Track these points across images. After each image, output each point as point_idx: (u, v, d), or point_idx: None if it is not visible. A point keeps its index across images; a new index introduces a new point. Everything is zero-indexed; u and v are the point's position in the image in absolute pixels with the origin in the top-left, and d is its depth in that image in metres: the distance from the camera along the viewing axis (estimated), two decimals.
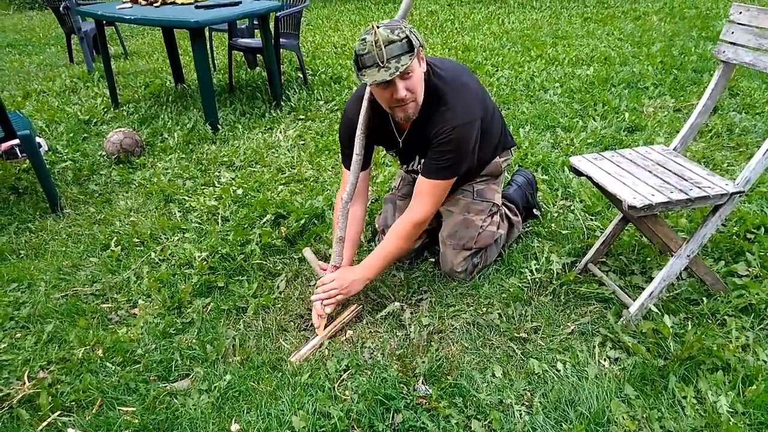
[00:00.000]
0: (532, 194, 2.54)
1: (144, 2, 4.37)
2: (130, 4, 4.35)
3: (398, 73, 1.66)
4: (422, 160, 2.02)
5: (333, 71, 5.36)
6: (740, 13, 1.94)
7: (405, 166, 2.20)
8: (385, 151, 2.32)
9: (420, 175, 1.97)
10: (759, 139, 3.32)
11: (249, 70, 5.48)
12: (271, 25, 4.43)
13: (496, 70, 5.07)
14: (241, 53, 5.27)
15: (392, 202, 2.38)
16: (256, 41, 4.78)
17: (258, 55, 5.33)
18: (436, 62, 1.95)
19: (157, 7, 4.23)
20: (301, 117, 4.27)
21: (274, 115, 4.32)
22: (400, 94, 1.73)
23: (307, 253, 2.16)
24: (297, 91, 4.77)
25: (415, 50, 1.69)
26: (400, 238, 1.99)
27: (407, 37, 1.67)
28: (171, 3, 4.32)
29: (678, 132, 2.90)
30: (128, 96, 4.94)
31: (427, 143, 1.92)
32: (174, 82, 5.13)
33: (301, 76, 5.05)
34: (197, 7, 4.06)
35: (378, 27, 1.67)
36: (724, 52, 2.00)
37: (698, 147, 3.24)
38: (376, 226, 2.43)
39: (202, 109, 4.18)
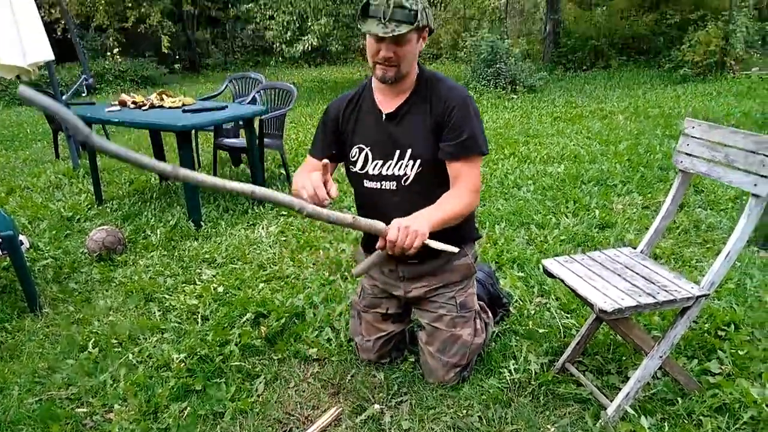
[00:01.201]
0: (493, 284, 2.57)
1: (132, 105, 4.55)
2: (118, 107, 4.52)
3: (392, 35, 1.70)
4: (415, 159, 1.88)
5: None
6: (693, 127, 2.10)
7: (377, 165, 1.93)
8: (351, 159, 2.01)
9: (448, 162, 1.85)
10: (725, 235, 3.46)
11: (233, 167, 5.63)
12: (256, 125, 4.61)
13: None
14: (226, 151, 5.43)
15: (357, 312, 2.29)
16: (241, 141, 4.95)
17: (243, 154, 5.49)
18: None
19: (145, 110, 4.40)
20: (284, 213, 4.35)
21: (257, 211, 4.40)
22: (386, 54, 1.76)
23: (359, 269, 1.84)
24: (280, 187, 4.89)
25: (418, 25, 1.73)
26: (454, 197, 1.83)
27: (417, 11, 1.72)
28: (159, 106, 4.50)
29: (647, 229, 3.02)
30: (112, 192, 5.02)
31: (416, 123, 1.87)
32: (159, 178, 5.23)
33: (284, 172, 5.20)
34: (184, 111, 4.23)
35: None
36: (681, 161, 2.15)
37: (667, 243, 3.37)
38: (350, 334, 2.41)
39: (185, 206, 4.26)
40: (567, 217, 3.88)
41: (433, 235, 1.71)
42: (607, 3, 14.77)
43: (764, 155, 1.82)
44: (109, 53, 13.56)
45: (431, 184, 1.90)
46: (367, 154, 1.94)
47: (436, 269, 2.06)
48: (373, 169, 1.93)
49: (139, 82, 14.53)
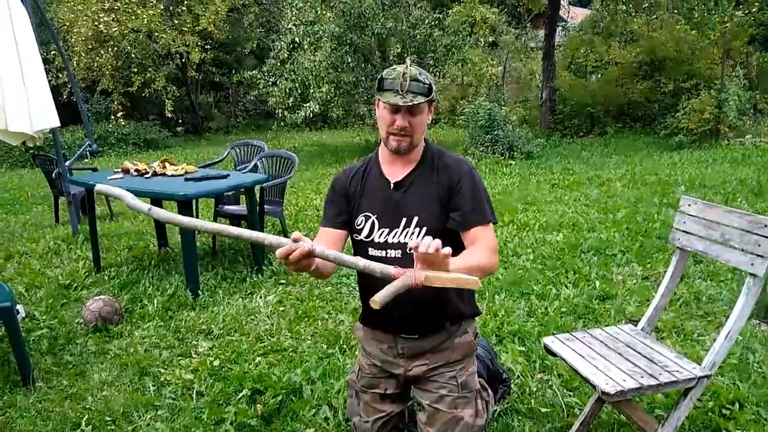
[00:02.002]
0: (492, 360, 2.52)
1: (135, 173, 4.60)
2: (121, 175, 4.57)
3: (410, 104, 1.80)
4: (421, 228, 1.89)
5: (314, 235, 5.52)
6: (689, 205, 2.12)
7: (383, 233, 1.94)
8: (357, 227, 2.00)
9: (463, 232, 1.87)
10: (725, 307, 3.44)
11: None
12: (257, 191, 4.66)
13: None
14: (227, 218, 5.45)
15: (355, 392, 2.22)
16: (241, 208, 4.98)
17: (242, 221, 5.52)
18: None
19: (147, 178, 4.45)
20: (282, 281, 4.34)
21: (255, 279, 4.38)
22: (401, 123, 1.84)
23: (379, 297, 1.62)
24: None
25: (432, 98, 1.86)
26: (478, 252, 1.81)
27: (430, 85, 1.85)
28: (161, 174, 4.55)
29: (647, 301, 2.98)
30: (111, 259, 5.01)
31: (425, 191, 1.92)
32: (158, 245, 5.24)
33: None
34: (186, 180, 4.28)
35: (411, 65, 1.85)
36: (678, 239, 2.16)
37: (669, 316, 3.34)
38: (348, 414, 2.35)
39: (183, 273, 4.25)
40: (567, 288, 3.86)
41: (433, 307, 1.80)
42: (602, 71, 15.20)
43: (759, 235, 1.83)
44: (113, 116, 13.85)
45: None
46: (373, 222, 1.96)
47: (437, 346, 2.02)
48: (379, 237, 1.95)
49: (141, 145, 14.77)
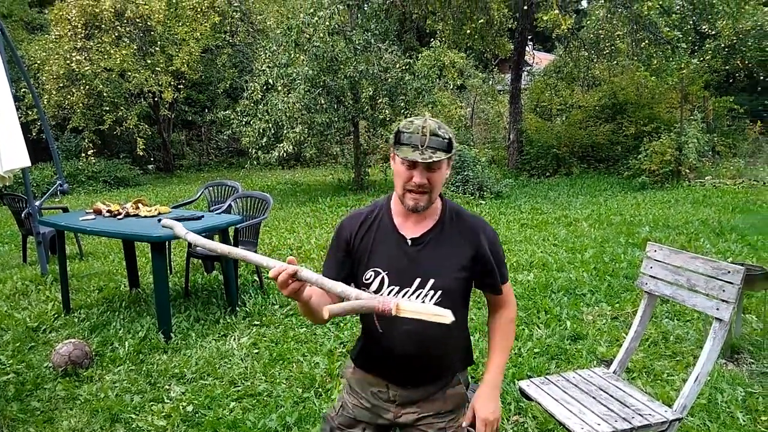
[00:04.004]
0: None
1: (107, 214, 4.56)
2: (93, 216, 4.53)
3: (430, 161, 1.72)
4: (437, 290, 1.81)
5: None
6: (655, 251, 2.22)
7: (393, 291, 1.85)
8: (365, 282, 1.92)
9: (492, 294, 1.93)
10: (693, 346, 3.55)
11: (206, 273, 5.60)
12: (231, 232, 4.66)
13: None
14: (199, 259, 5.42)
15: (330, 427, 2.10)
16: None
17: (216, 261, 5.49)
18: None
19: (120, 219, 4.41)
20: (256, 323, 4.31)
21: (228, 321, 4.35)
22: (420, 180, 1.75)
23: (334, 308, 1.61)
24: (252, 295, 4.86)
25: (451, 154, 1.78)
26: (507, 334, 1.94)
27: (450, 139, 1.76)
28: (134, 215, 4.53)
29: (617, 341, 3.06)
30: (80, 301, 4.91)
31: (453, 258, 1.84)
32: (129, 286, 5.16)
33: (258, 279, 5.20)
34: (160, 221, 4.26)
35: (429, 119, 1.78)
36: (646, 284, 2.24)
37: (638, 357, 3.42)
38: None
39: (155, 315, 4.19)
40: (539, 328, 3.93)
41: (432, 359, 1.81)
42: (566, 114, 15.69)
43: (723, 281, 1.92)
44: (83, 154, 13.68)
45: (453, 312, 1.86)
46: (383, 279, 1.85)
47: (430, 395, 1.94)
48: (388, 294, 1.83)
49: (112, 183, 14.59)
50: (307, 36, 10.07)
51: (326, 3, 10.20)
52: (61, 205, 6.35)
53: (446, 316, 1.47)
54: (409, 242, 1.84)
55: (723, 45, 14.58)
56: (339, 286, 1.54)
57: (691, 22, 12.50)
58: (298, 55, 10.16)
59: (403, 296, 1.81)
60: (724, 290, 1.91)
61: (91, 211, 4.68)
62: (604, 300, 4.48)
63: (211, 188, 6.27)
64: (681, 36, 10.96)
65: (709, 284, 1.97)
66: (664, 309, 4.20)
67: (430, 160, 1.72)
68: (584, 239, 6.65)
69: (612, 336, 3.75)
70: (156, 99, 15.26)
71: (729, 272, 1.91)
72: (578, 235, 6.90)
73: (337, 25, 10.14)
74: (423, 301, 1.79)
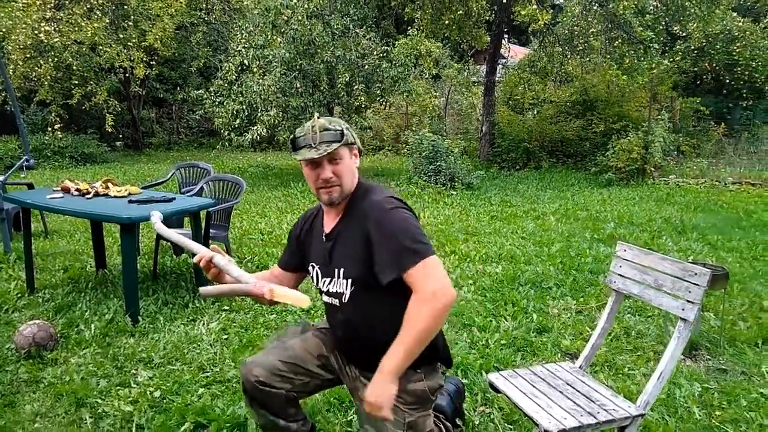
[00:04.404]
0: (461, 403, 2.50)
1: (76, 193, 4.47)
2: (61, 194, 4.43)
3: (325, 153, 1.81)
4: (339, 275, 1.92)
5: (260, 260, 5.51)
6: (625, 250, 2.28)
7: (325, 283, 1.99)
8: (311, 276, 2.10)
9: (400, 278, 1.77)
10: (653, 342, 3.66)
11: (175, 256, 5.54)
12: (203, 216, 4.61)
13: None
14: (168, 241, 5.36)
15: (303, 327, 2.25)
16: (186, 231, 4.90)
17: None
18: None
19: (89, 198, 4.33)
20: (225, 308, 4.29)
21: (197, 305, 4.32)
22: (325, 175, 1.85)
23: (207, 289, 1.81)
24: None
25: (347, 142, 1.86)
26: (411, 316, 1.73)
27: (342, 130, 1.86)
28: (104, 195, 4.44)
29: (581, 334, 3.14)
30: (45, 280, 4.81)
31: (348, 240, 1.90)
32: (95, 266, 5.07)
33: None
34: (130, 202, 4.20)
35: (319, 118, 1.87)
36: (614, 282, 2.31)
37: (601, 351, 3.51)
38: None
39: (122, 298, 4.14)
40: (506, 320, 4.01)
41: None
42: (538, 108, 15.87)
43: (690, 282, 1.99)
44: (50, 128, 13.30)
45: (370, 302, 1.90)
46: (317, 272, 2.04)
47: None
48: (324, 285, 2.02)
49: (78, 159, 14.24)
50: (285, 18, 9.95)
51: None
52: (26, 180, 6.18)
53: (303, 301, 1.71)
54: (324, 238, 2.00)
55: (693, 47, 14.92)
56: (236, 272, 1.81)
57: (663, 23, 12.74)
58: (275, 38, 10.04)
59: (332, 285, 1.96)
60: (690, 291, 1.98)
61: (59, 188, 4.57)
62: (570, 294, 4.58)
63: (182, 169, 6.18)
64: (654, 36, 11.17)
65: (675, 285, 2.04)
66: (627, 305, 4.32)
67: (325, 153, 1.81)
68: (551, 233, 6.77)
69: (576, 330, 3.85)
70: (127, 75, 14.91)
71: (695, 274, 1.98)
72: (546, 229, 7.02)
73: (315, 9, 10.03)
74: (342, 292, 1.93)
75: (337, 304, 1.97)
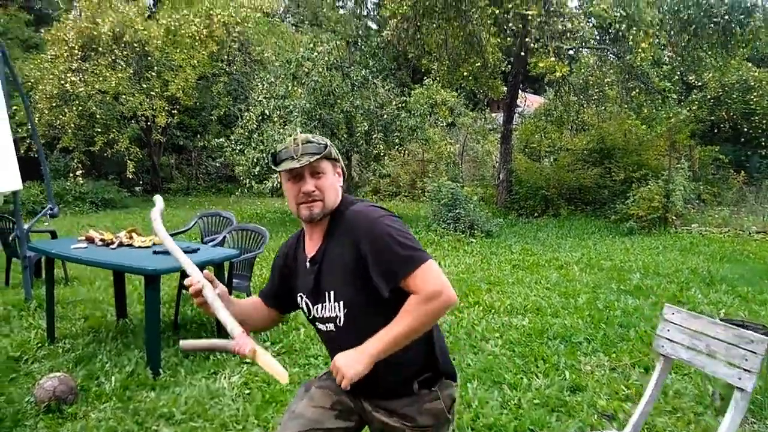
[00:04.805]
0: None
1: (100, 243, 4.47)
2: (85, 244, 4.43)
3: (307, 163, 1.72)
4: (330, 297, 1.80)
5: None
6: (673, 314, 2.19)
7: (318, 309, 1.87)
8: (300, 307, 1.97)
9: (389, 286, 1.70)
10: (692, 402, 3.51)
11: (196, 306, 5.48)
12: (225, 265, 4.57)
13: None
14: None
15: (305, 388, 2.03)
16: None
17: None
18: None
19: (113, 249, 4.32)
20: (247, 361, 4.19)
21: (219, 357, 4.23)
22: (307, 188, 1.75)
23: (187, 343, 1.82)
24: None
25: (330, 155, 1.78)
26: (408, 309, 1.67)
27: (326, 145, 1.78)
28: (128, 245, 4.44)
29: (616, 393, 3.02)
30: (65, 330, 4.77)
31: (334, 260, 1.79)
32: (116, 315, 5.03)
33: None
34: (155, 252, 4.18)
35: (301, 133, 1.82)
36: (662, 346, 2.22)
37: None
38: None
39: (143, 349, 4.08)
40: (538, 377, 3.88)
41: (397, 368, 1.75)
42: (555, 156, 15.90)
43: (746, 350, 1.90)
44: (71, 174, 13.54)
45: (367, 323, 1.76)
46: (306, 302, 1.90)
47: (402, 406, 1.85)
48: (317, 312, 1.87)
49: (99, 204, 14.42)
50: (306, 70, 10.15)
51: (325, 39, 10.32)
52: (50, 228, 6.22)
53: (282, 376, 1.58)
54: (308, 264, 1.87)
55: (709, 96, 14.97)
56: (223, 315, 1.69)
57: (678, 73, 12.83)
58: (295, 88, 10.22)
59: (325, 310, 1.83)
60: (746, 359, 1.88)
61: (83, 238, 4.58)
62: (601, 349, 4.44)
63: (204, 218, 6.19)
64: (671, 86, 11.23)
65: (730, 352, 1.94)
66: None
67: (307, 163, 1.72)
68: (576, 284, 6.64)
69: (611, 388, 3.70)
70: (149, 123, 15.22)
71: (752, 341, 1.89)
72: (570, 279, 6.89)
73: (335, 61, 10.24)
74: (336, 315, 1.80)
75: (333, 329, 1.83)
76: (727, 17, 10.97)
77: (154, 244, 4.47)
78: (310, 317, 1.91)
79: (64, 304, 5.54)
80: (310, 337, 4.64)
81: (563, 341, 4.62)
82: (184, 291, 5.10)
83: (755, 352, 1.86)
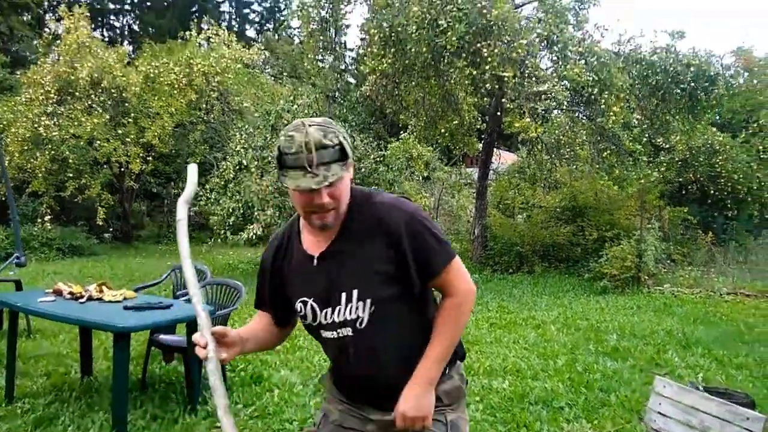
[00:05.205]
0: None
1: (68, 296, 4.29)
2: (53, 297, 4.25)
3: (326, 183, 1.50)
4: (351, 297, 1.64)
5: (253, 369, 5.26)
6: (664, 387, 2.16)
7: (327, 314, 1.70)
8: (300, 313, 1.79)
9: (427, 284, 1.67)
10: None
11: (165, 363, 5.27)
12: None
13: None
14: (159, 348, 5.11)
15: None
16: (180, 339, 4.69)
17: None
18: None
19: (82, 303, 4.15)
20: (218, 425, 4.00)
21: (188, 420, 4.04)
22: (323, 200, 1.54)
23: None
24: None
25: (348, 159, 1.56)
26: (446, 320, 1.67)
27: (341, 144, 1.53)
28: (98, 299, 4.27)
29: None
30: (25, 387, 4.51)
31: (367, 262, 1.63)
32: (81, 372, 4.79)
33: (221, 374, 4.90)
34: (125, 308, 4.02)
35: (309, 126, 1.51)
36: (654, 421, 2.17)
37: None
38: None
39: (109, 410, 3.87)
40: None
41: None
42: (529, 212, 16.11)
43: (741, 427, 1.86)
44: (39, 219, 13.21)
45: (397, 319, 1.68)
46: (312, 307, 1.71)
47: None
48: (325, 318, 1.70)
49: (66, 251, 14.03)
50: (285, 122, 10.20)
51: (305, 92, 10.44)
52: (15, 278, 5.97)
53: None
54: (316, 261, 1.68)
55: (677, 159, 15.46)
56: (221, 402, 1.55)
57: (647, 136, 13.26)
58: (274, 139, 10.24)
59: (339, 314, 1.67)
60: None
61: (51, 291, 4.40)
62: (583, 415, 4.36)
63: (177, 271, 6.01)
64: (641, 148, 11.58)
65: (725, 429, 1.90)
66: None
67: (327, 182, 1.50)
68: (554, 344, 6.59)
69: None
70: (122, 169, 15.03)
71: (748, 419, 1.85)
72: (548, 339, 6.84)
73: (315, 114, 10.33)
74: (358, 317, 1.64)
75: (350, 334, 1.67)
76: (693, 84, 11.47)
77: (125, 299, 4.31)
78: (315, 324, 1.74)
79: (25, 358, 5.26)
80: (285, 400, 4.49)
81: (545, 406, 4.53)
82: (152, 348, 4.91)
83: (752, 431, 1.83)
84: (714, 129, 15.51)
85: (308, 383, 4.89)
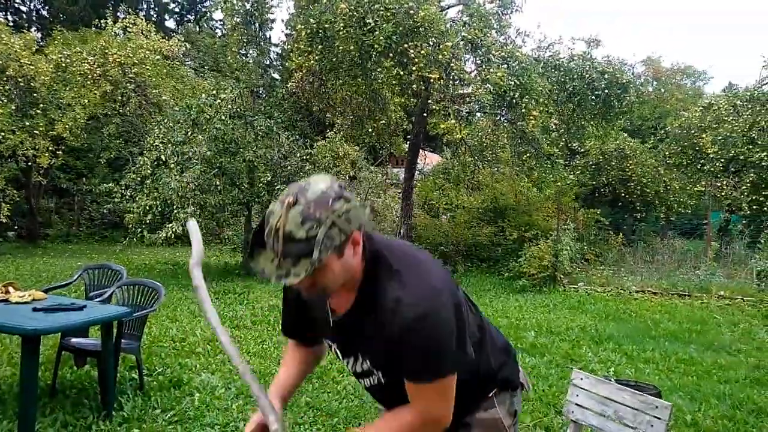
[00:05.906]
0: None
1: None
2: None
3: (286, 280, 1.33)
4: (365, 362, 1.57)
5: (172, 372, 5.06)
6: (581, 379, 2.25)
7: (349, 363, 1.65)
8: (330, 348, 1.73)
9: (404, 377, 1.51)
10: None
11: (76, 367, 4.98)
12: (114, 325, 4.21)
13: None
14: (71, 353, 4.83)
15: None
16: (93, 342, 4.44)
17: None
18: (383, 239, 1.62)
19: None
20: (135, 430, 3.84)
21: (102, 427, 3.83)
22: (303, 288, 1.40)
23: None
24: (131, 396, 4.36)
25: (320, 260, 1.32)
26: (389, 426, 1.55)
27: (316, 238, 1.30)
28: (4, 300, 3.98)
29: None
30: None
31: (366, 336, 1.52)
32: None
33: (137, 378, 4.69)
34: (35, 309, 3.77)
35: (294, 204, 1.32)
36: (572, 412, 2.25)
37: None
38: None
39: (13, 419, 3.62)
40: None
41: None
42: (452, 213, 16.46)
43: (651, 416, 1.97)
44: None
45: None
46: (336, 351, 1.66)
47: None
48: (348, 366, 1.65)
49: None
50: (207, 116, 9.91)
51: (228, 86, 10.19)
52: None
53: None
54: (332, 323, 1.58)
55: (591, 162, 16.27)
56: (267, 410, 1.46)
57: (564, 140, 13.88)
58: (195, 135, 9.93)
59: (360, 365, 1.60)
60: (652, 425, 1.95)
61: None
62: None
63: (90, 271, 5.69)
64: (558, 152, 12.09)
65: (637, 418, 2.01)
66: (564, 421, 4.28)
67: (284, 280, 1.33)
68: None
69: None
70: (29, 163, 14.09)
71: (656, 407, 1.96)
72: None
73: (239, 109, 10.10)
74: (375, 376, 1.59)
75: (375, 384, 1.62)
76: (606, 90, 12.10)
77: (33, 300, 4.04)
78: (343, 364, 1.69)
79: None
80: (205, 404, 4.35)
81: None
82: (63, 352, 4.63)
83: (660, 418, 1.94)
84: (625, 135, 16.45)
85: (230, 386, 4.75)
